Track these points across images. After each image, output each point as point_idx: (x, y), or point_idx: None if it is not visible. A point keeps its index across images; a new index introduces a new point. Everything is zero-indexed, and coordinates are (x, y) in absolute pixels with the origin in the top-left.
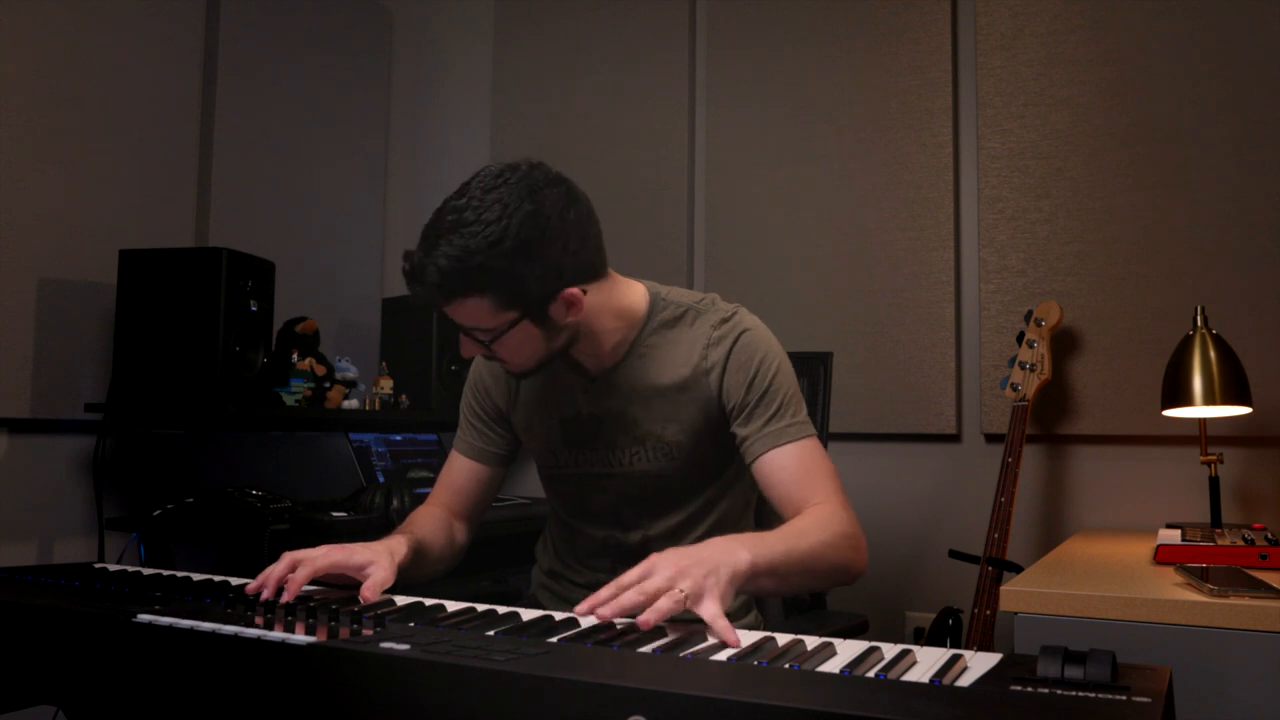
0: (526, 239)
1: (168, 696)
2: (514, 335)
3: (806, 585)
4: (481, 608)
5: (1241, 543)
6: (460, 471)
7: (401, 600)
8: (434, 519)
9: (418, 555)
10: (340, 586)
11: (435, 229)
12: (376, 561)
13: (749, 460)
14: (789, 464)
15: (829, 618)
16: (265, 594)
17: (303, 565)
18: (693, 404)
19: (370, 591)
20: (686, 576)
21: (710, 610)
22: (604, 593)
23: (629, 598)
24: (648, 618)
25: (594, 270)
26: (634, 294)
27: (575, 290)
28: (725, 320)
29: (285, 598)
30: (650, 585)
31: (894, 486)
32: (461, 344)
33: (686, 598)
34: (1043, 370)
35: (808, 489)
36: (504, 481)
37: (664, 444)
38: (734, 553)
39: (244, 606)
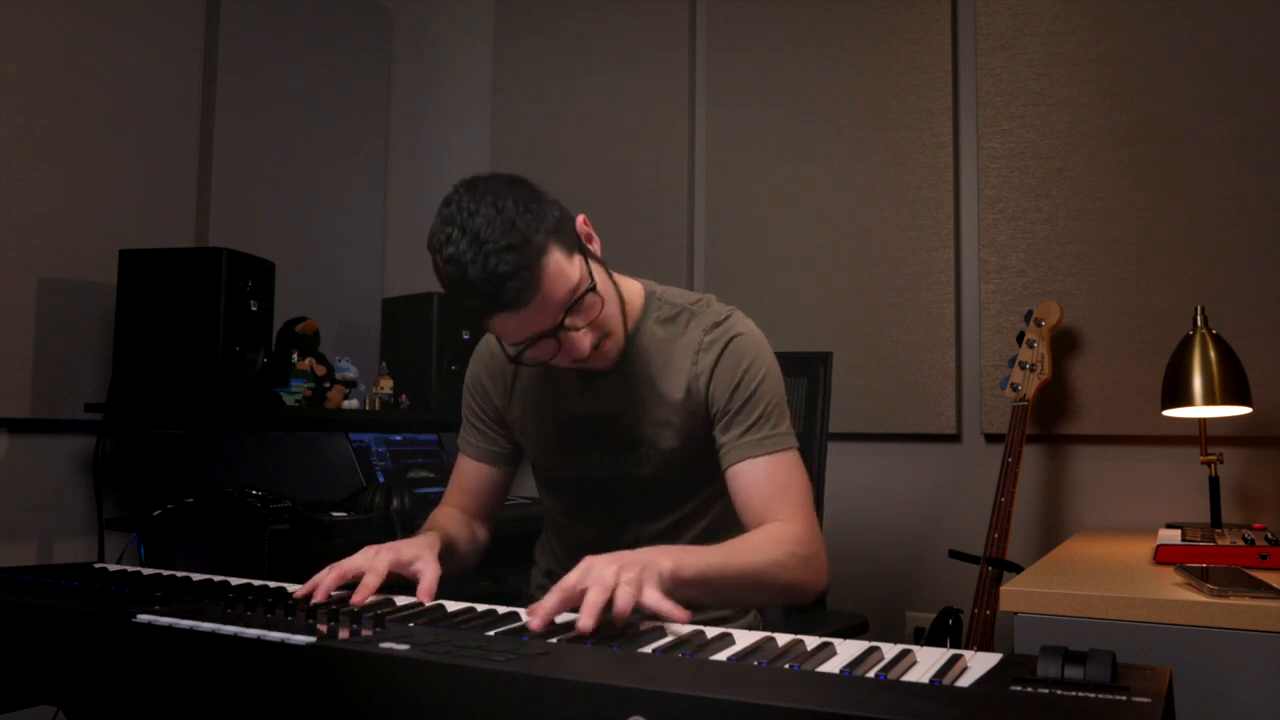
0: (526, 197)
1: (168, 696)
2: (598, 277)
3: (744, 600)
4: (481, 608)
5: (1241, 543)
6: (470, 474)
7: (401, 600)
8: (453, 518)
9: (449, 551)
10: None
11: (463, 257)
12: (422, 556)
13: (724, 467)
14: (759, 477)
15: (829, 618)
16: (316, 598)
17: (370, 574)
18: (686, 408)
19: (427, 595)
20: (627, 570)
21: (653, 597)
22: (550, 601)
23: (595, 595)
24: (622, 606)
25: (578, 241)
26: (631, 288)
27: (582, 215)
28: (718, 324)
29: (355, 601)
30: (604, 577)
31: (894, 486)
32: (570, 345)
33: (633, 589)
34: (1043, 370)
35: (773, 504)
36: (514, 481)
37: (658, 447)
38: (656, 558)
39: (245, 607)
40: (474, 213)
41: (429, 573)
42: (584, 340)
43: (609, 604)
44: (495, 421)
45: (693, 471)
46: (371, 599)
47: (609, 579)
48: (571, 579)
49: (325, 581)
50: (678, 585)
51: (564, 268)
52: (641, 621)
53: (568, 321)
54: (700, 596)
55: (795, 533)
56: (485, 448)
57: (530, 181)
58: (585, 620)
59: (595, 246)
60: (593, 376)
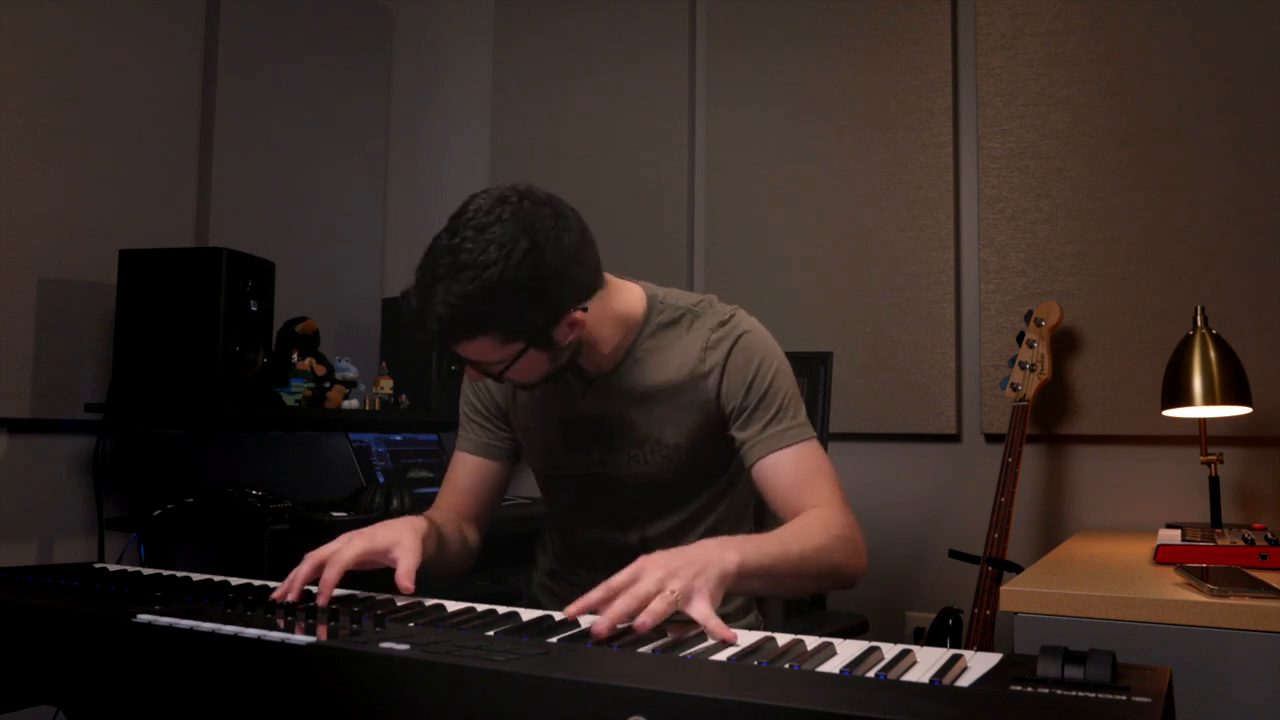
0: (526, 277)
1: (168, 696)
2: (520, 364)
3: (801, 588)
4: (481, 608)
5: (1241, 543)
6: (466, 472)
7: (401, 600)
8: (443, 518)
9: (440, 540)
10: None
11: (431, 273)
12: (400, 542)
13: (748, 464)
14: (788, 467)
15: (829, 618)
16: (291, 596)
17: (330, 564)
18: (691, 406)
19: (407, 579)
20: (676, 578)
21: (701, 610)
22: (594, 595)
23: (622, 604)
24: (644, 621)
25: (592, 288)
26: (631, 297)
27: (577, 313)
28: (723, 323)
29: (320, 601)
30: (641, 589)
31: (894, 486)
32: (467, 372)
33: (678, 598)
34: (1043, 370)
35: (807, 492)
36: (510, 482)
37: (662, 446)
38: (723, 554)
39: (245, 607)
40: (479, 245)
41: (406, 559)
42: (475, 378)
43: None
44: (496, 415)
45: (697, 470)
46: (370, 599)
47: (649, 588)
48: (619, 579)
49: (299, 574)
50: (743, 578)
51: (486, 351)
52: (689, 623)
53: (484, 373)
54: (763, 587)
55: (836, 517)
56: (483, 441)
57: (566, 246)
58: (599, 625)
59: (575, 333)
60: (594, 377)
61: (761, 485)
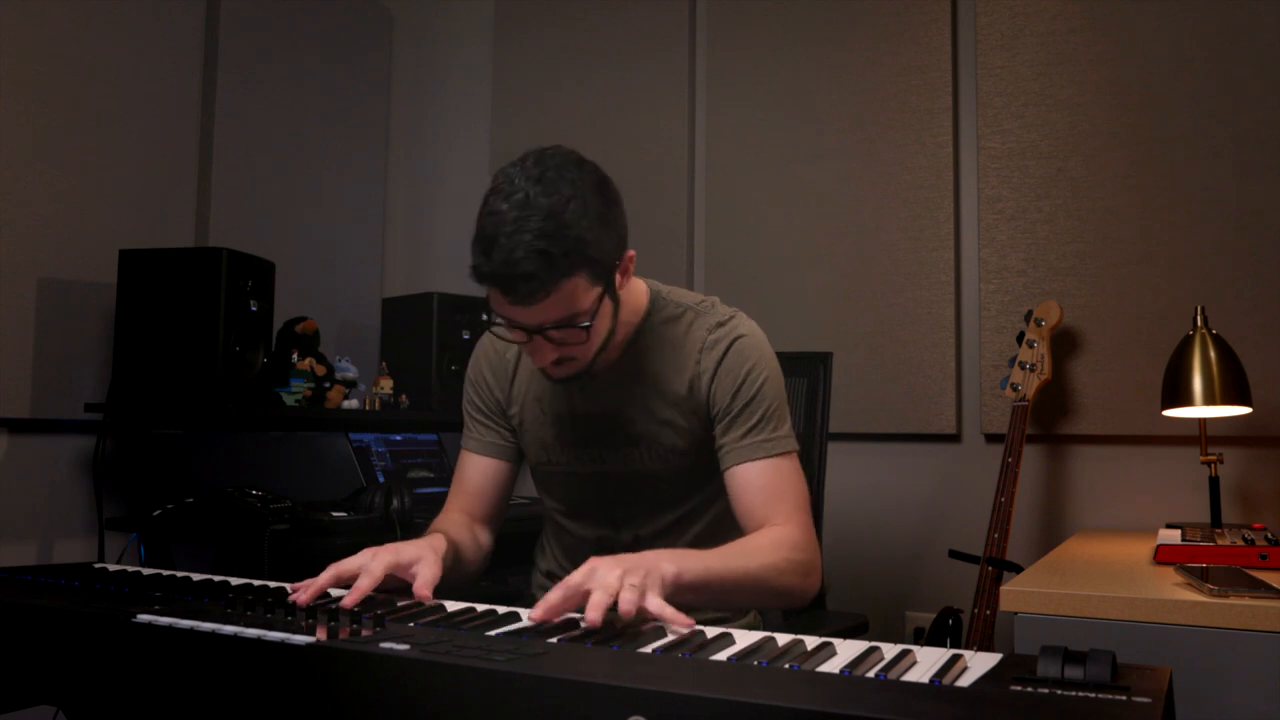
0: (603, 207)
1: (168, 696)
2: (600, 318)
3: (742, 603)
4: (481, 608)
5: (1241, 543)
6: (474, 472)
7: (402, 601)
8: (455, 524)
9: (457, 555)
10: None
11: (505, 226)
12: (423, 558)
13: (723, 468)
14: (758, 479)
15: (829, 618)
16: (304, 598)
17: (364, 575)
18: (687, 406)
19: (426, 589)
20: (631, 574)
21: (655, 602)
22: (553, 596)
23: (599, 596)
24: (627, 609)
25: (610, 277)
26: (636, 292)
27: (631, 251)
28: (722, 324)
29: (346, 604)
30: (609, 581)
31: (894, 486)
32: (536, 350)
33: (638, 593)
34: (1043, 370)
35: (771, 507)
36: (517, 480)
37: (659, 445)
38: (660, 563)
39: (245, 607)
40: (549, 182)
41: (426, 572)
42: (547, 355)
43: (614, 603)
44: (498, 414)
45: (692, 470)
46: (370, 599)
47: (613, 582)
48: (576, 578)
49: (320, 581)
50: (679, 590)
51: (578, 296)
52: (643, 622)
53: (549, 333)
54: (699, 600)
55: (792, 537)
56: (489, 441)
57: (615, 190)
58: (593, 614)
59: (624, 282)
60: (595, 373)
61: (732, 493)
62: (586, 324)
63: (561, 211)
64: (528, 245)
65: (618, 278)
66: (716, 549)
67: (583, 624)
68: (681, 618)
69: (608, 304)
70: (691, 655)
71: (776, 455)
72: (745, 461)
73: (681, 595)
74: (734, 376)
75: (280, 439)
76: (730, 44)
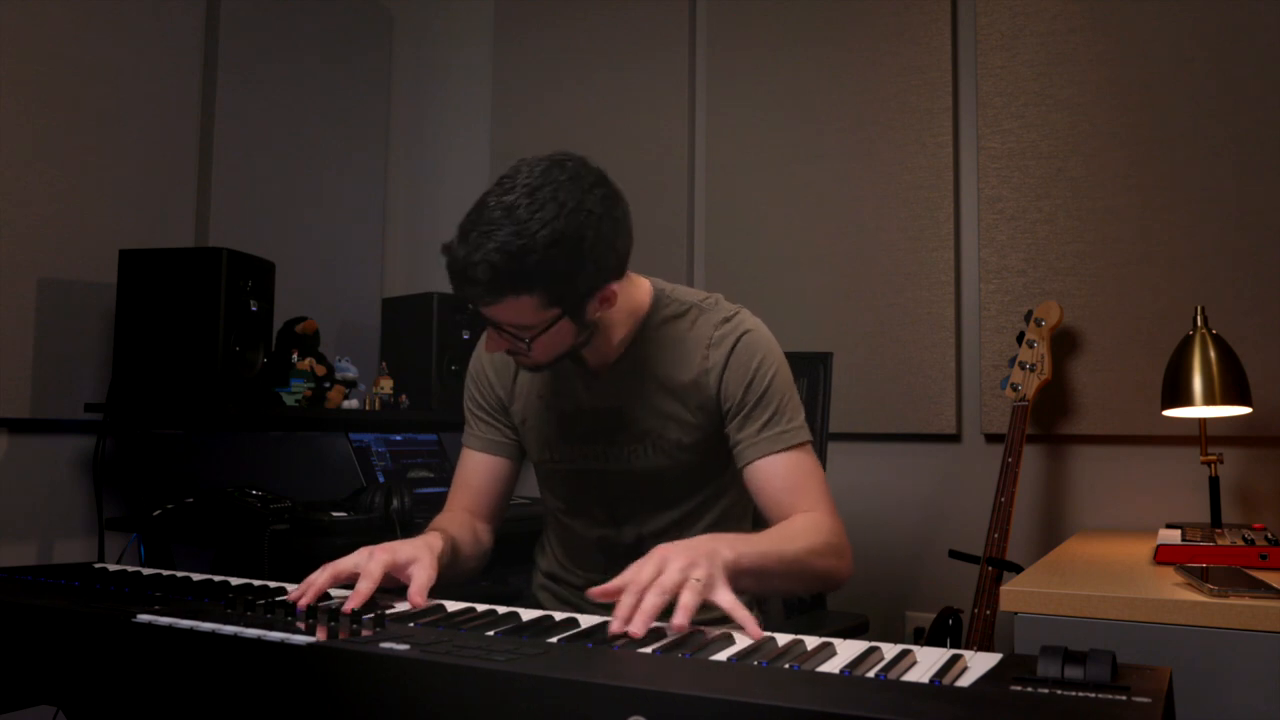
0: (580, 237)
1: (168, 696)
2: (551, 333)
3: (788, 589)
4: (481, 608)
5: (1241, 543)
6: (475, 469)
7: (398, 602)
8: (456, 521)
9: (454, 553)
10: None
11: (482, 223)
12: (419, 559)
13: (740, 464)
14: (780, 471)
15: (829, 618)
16: (304, 600)
17: (364, 578)
18: (693, 403)
19: (420, 596)
20: (697, 566)
21: (727, 598)
22: (625, 601)
23: (652, 601)
24: (681, 621)
25: (624, 268)
26: (640, 290)
27: (613, 286)
28: (727, 320)
29: (347, 608)
30: (668, 580)
31: (894, 486)
32: (487, 339)
33: (704, 587)
34: (1043, 370)
35: (797, 496)
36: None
37: (664, 441)
38: (718, 549)
39: (245, 607)
40: (542, 199)
41: (421, 575)
42: (496, 345)
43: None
44: (499, 411)
45: (697, 467)
46: (370, 599)
47: (674, 579)
48: (646, 573)
49: (318, 582)
50: (737, 575)
51: (524, 313)
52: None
53: (512, 338)
54: (754, 586)
55: (825, 522)
56: (490, 438)
57: (616, 216)
58: (635, 627)
59: (604, 309)
60: (598, 370)
61: (753, 487)
62: (527, 339)
63: (534, 233)
64: (485, 253)
65: (592, 303)
66: (763, 533)
67: (582, 622)
68: (754, 624)
69: (567, 325)
70: (691, 655)
71: (794, 446)
72: (765, 456)
73: (738, 581)
74: (744, 370)
75: (280, 439)
76: (730, 44)
